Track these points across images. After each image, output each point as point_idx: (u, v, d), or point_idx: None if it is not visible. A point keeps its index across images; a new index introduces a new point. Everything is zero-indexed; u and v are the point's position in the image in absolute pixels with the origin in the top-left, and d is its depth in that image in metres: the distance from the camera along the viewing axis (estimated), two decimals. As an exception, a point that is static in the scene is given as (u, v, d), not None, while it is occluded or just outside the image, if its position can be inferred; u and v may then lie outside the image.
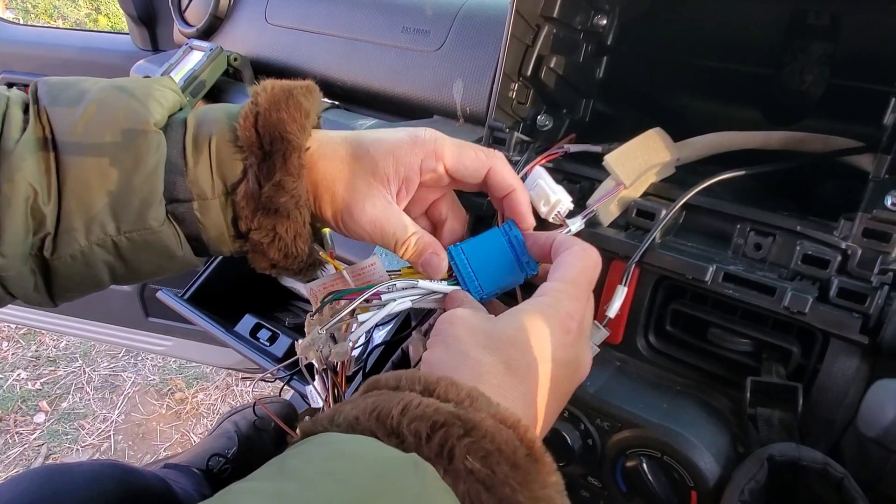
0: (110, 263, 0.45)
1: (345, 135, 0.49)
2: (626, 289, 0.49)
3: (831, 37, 0.63)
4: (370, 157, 0.47)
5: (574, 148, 0.60)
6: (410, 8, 0.73)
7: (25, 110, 0.44)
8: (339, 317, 0.43)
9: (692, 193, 0.50)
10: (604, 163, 0.53)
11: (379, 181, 0.47)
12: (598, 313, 0.51)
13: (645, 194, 0.55)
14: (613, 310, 0.49)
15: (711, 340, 0.50)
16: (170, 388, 2.26)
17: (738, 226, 0.50)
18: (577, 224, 0.52)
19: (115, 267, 0.46)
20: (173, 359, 2.35)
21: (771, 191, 0.58)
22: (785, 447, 0.44)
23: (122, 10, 1.17)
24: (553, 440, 0.52)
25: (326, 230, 0.56)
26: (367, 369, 0.75)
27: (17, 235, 0.41)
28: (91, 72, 1.29)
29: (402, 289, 0.46)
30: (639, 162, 0.54)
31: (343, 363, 0.55)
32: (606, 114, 0.70)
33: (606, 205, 0.53)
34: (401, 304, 0.44)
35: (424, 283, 0.47)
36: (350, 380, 0.66)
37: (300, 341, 0.47)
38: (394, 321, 0.79)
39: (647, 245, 0.50)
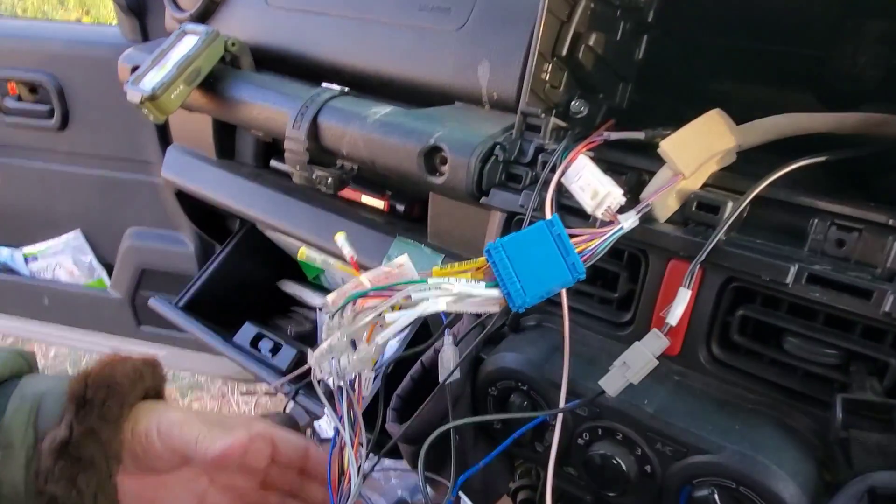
0: None
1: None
2: (689, 292, 0.43)
3: (890, 13, 0.57)
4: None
5: (615, 135, 0.54)
6: (428, -16, 0.66)
7: None
8: (366, 318, 0.37)
9: (766, 183, 0.44)
10: (659, 150, 0.47)
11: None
12: (656, 319, 0.45)
13: (705, 185, 0.48)
14: (675, 316, 0.42)
15: (788, 351, 0.43)
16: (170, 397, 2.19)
17: (816, 220, 0.44)
18: (630, 220, 0.45)
19: None
20: (167, 368, 2.28)
21: (830, 177, 0.52)
22: (887, 477, 0.37)
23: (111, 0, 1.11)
24: (605, 466, 0.46)
25: (340, 234, 0.50)
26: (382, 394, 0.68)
27: None
28: (79, 65, 1.22)
29: (436, 289, 0.39)
30: (698, 148, 0.47)
31: (360, 380, 0.48)
32: (644, 102, 0.64)
33: (664, 198, 0.47)
34: (434, 304, 0.38)
35: (460, 285, 0.40)
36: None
37: (314, 350, 0.40)
38: (404, 335, 0.73)
39: (714, 243, 0.43)
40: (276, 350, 0.82)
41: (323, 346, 0.41)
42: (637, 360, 0.42)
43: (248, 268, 0.98)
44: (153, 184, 1.22)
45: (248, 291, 0.98)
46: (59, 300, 1.42)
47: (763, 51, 0.64)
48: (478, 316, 0.57)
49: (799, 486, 0.40)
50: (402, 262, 0.45)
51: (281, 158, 0.69)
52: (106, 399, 0.45)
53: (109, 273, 1.38)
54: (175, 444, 0.47)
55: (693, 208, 0.46)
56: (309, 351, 0.43)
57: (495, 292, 0.42)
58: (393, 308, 0.40)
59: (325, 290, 0.99)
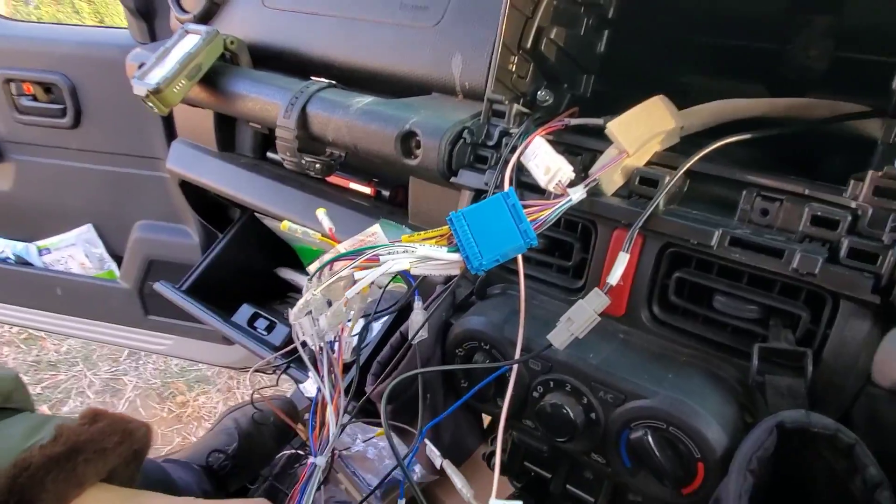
0: None
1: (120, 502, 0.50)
2: (628, 255, 0.48)
3: (835, 9, 0.62)
4: None
5: (575, 121, 0.59)
6: (408, -15, 0.72)
7: None
8: (338, 274, 0.42)
9: (696, 158, 0.49)
10: (605, 131, 0.52)
11: None
12: (603, 283, 0.50)
13: (649, 163, 0.53)
14: (615, 277, 0.47)
15: (717, 308, 0.48)
16: (171, 392, 2.24)
17: (745, 192, 0.49)
18: (578, 193, 0.50)
19: None
20: (174, 362, 2.34)
21: (777, 162, 0.57)
22: (794, 414, 0.42)
23: (121, 4, 1.17)
24: (555, 415, 0.51)
25: (321, 210, 0.54)
26: (360, 361, 0.73)
27: None
28: (91, 66, 1.28)
29: (402, 252, 0.44)
30: (642, 130, 0.52)
31: (340, 343, 0.53)
32: (608, 92, 0.69)
33: (609, 173, 0.52)
34: (398, 264, 0.43)
35: (423, 249, 0.45)
36: (347, 368, 0.64)
37: (294, 307, 0.46)
38: (385, 320, 0.77)
39: (650, 212, 0.48)
40: (270, 328, 0.88)
41: (300, 302, 0.46)
42: (580, 316, 0.47)
43: (247, 255, 1.03)
44: (160, 178, 1.28)
45: (247, 277, 1.03)
46: (71, 291, 1.48)
47: (720, 45, 0.69)
48: (446, 284, 0.63)
49: (720, 426, 0.45)
50: (374, 230, 0.50)
51: (276, 150, 0.75)
52: None
53: (119, 264, 1.45)
54: None
55: (636, 182, 0.51)
56: (289, 310, 0.48)
57: (455, 256, 0.47)
58: (362, 269, 0.46)
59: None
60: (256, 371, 0.85)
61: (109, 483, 0.50)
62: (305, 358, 0.53)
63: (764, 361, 0.44)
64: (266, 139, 0.94)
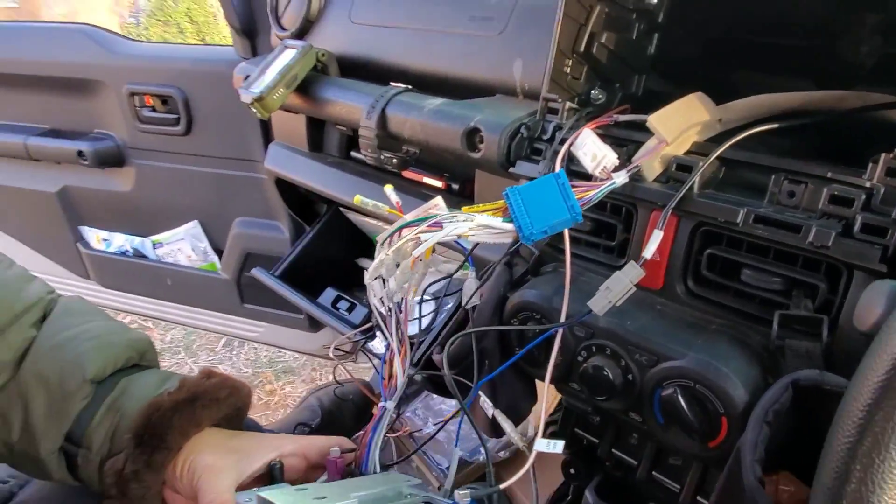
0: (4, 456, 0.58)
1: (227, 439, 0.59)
2: (661, 233, 0.53)
3: (886, 6, 0.65)
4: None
5: (622, 117, 0.65)
6: (477, -1, 0.81)
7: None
8: (406, 237, 0.50)
9: (726, 146, 0.54)
10: (647, 123, 0.58)
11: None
12: (637, 256, 0.56)
13: (687, 152, 0.59)
14: (650, 251, 0.53)
15: (745, 281, 0.53)
16: (260, 381, 2.42)
17: (773, 176, 0.53)
18: (621, 177, 0.56)
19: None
20: (263, 353, 2.52)
21: (813, 152, 0.61)
22: (809, 373, 0.46)
23: (227, 23, 1.33)
24: (596, 376, 0.57)
25: (389, 186, 0.63)
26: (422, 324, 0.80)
27: None
28: (201, 79, 1.45)
29: (462, 220, 0.51)
30: (680, 121, 0.58)
31: (406, 305, 0.61)
32: (660, 90, 0.75)
33: (650, 161, 0.58)
34: (458, 229, 0.50)
35: (481, 217, 0.52)
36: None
37: (368, 270, 0.54)
38: (449, 306, 0.85)
39: (681, 194, 0.54)
40: (350, 309, 0.98)
41: (372, 265, 0.55)
42: (617, 286, 0.53)
43: (332, 245, 1.15)
44: (257, 179, 1.43)
45: (331, 265, 1.15)
46: (179, 281, 1.66)
47: (769, 43, 0.73)
48: (507, 265, 0.70)
49: (743, 385, 0.49)
50: (437, 202, 0.58)
51: (359, 149, 0.85)
52: (154, 451, 0.54)
53: (220, 257, 1.61)
54: (192, 485, 0.55)
55: (673, 169, 0.57)
56: (364, 272, 0.56)
57: (509, 226, 0.52)
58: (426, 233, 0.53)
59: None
60: (337, 349, 0.95)
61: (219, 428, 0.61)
62: (377, 315, 0.61)
63: (784, 328, 0.49)
64: (350, 140, 1.05)
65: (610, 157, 0.57)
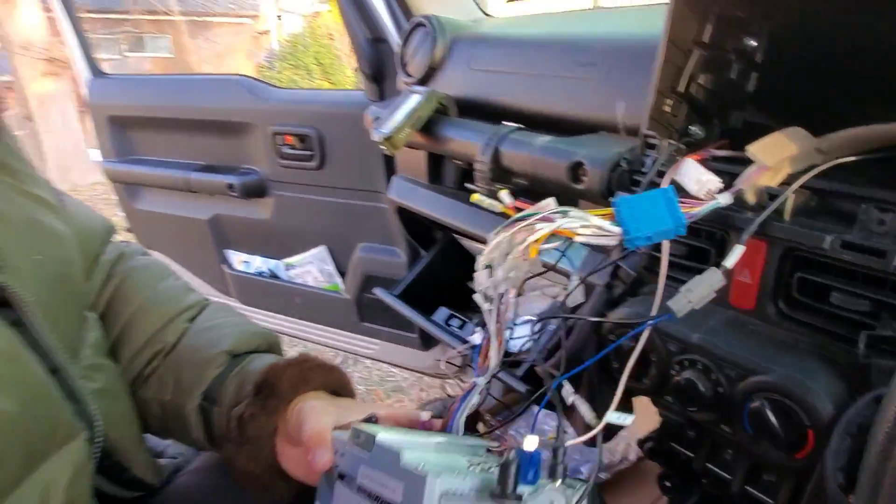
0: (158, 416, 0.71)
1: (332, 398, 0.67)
2: (743, 247, 0.56)
3: None
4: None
5: (720, 153, 0.70)
6: (582, 46, 0.89)
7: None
8: (519, 225, 0.53)
9: (809, 176, 0.58)
10: (746, 152, 0.62)
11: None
12: (734, 283, 0.60)
13: (782, 183, 0.63)
14: (731, 261, 0.55)
15: (833, 303, 0.56)
16: (372, 398, 2.57)
17: (863, 205, 0.57)
18: (725, 197, 0.58)
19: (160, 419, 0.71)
20: (376, 372, 2.67)
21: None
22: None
23: (359, 70, 1.49)
24: (688, 388, 0.62)
25: (504, 190, 0.69)
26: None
27: None
28: (335, 119, 1.61)
29: (573, 217, 0.53)
30: (779, 151, 0.62)
31: (508, 297, 0.65)
32: (759, 123, 0.78)
33: (750, 186, 0.61)
34: (569, 223, 0.52)
35: (590, 217, 0.54)
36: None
37: (481, 256, 0.59)
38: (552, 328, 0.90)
39: (762, 218, 0.58)
40: (462, 326, 1.07)
41: (486, 250, 0.56)
42: (698, 288, 0.55)
43: (446, 269, 1.25)
44: (380, 209, 1.56)
45: (445, 287, 1.25)
46: (306, 300, 1.83)
47: (873, 75, 0.75)
48: (608, 286, 0.76)
49: (829, 399, 0.53)
50: (548, 202, 0.62)
51: (473, 181, 0.95)
52: (269, 397, 0.63)
53: (343, 279, 1.77)
54: (298, 424, 0.60)
55: (766, 198, 0.62)
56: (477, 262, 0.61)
57: (616, 228, 0.54)
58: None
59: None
60: (449, 362, 1.04)
61: None
62: (483, 304, 0.65)
63: (871, 347, 0.52)
64: (465, 173, 1.16)
65: (713, 180, 0.61)
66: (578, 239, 0.54)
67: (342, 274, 1.76)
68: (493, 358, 0.61)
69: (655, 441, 0.79)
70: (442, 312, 1.12)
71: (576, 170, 0.78)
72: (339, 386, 0.68)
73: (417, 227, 1.34)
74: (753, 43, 0.75)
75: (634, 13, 1.07)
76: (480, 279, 0.59)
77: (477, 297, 0.62)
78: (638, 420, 0.83)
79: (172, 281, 0.78)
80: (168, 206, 1.99)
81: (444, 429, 0.59)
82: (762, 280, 0.61)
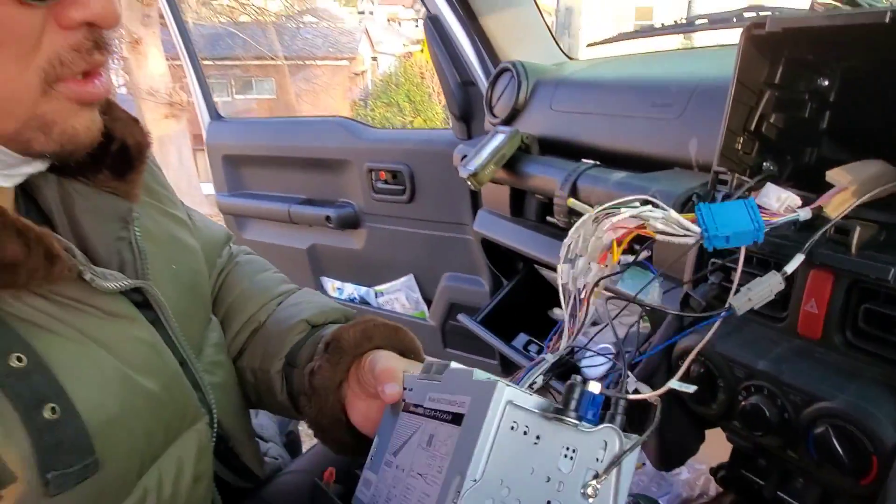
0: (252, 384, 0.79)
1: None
2: (802, 256, 0.58)
3: None
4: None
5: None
6: (659, 87, 0.94)
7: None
8: (600, 208, 0.57)
9: (852, 206, 0.60)
10: (826, 176, 0.65)
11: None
12: (803, 313, 0.63)
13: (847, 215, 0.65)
14: (791, 267, 0.59)
15: (900, 334, 0.58)
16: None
17: (933, 240, 0.58)
18: (805, 212, 0.61)
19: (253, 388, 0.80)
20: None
21: None
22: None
23: (447, 111, 1.60)
24: (754, 413, 0.64)
25: (570, 202, 0.73)
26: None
27: None
28: (425, 156, 1.71)
29: (654, 209, 0.56)
30: (858, 174, 0.64)
31: (589, 291, 0.68)
32: (834, 158, 0.80)
33: (828, 205, 0.63)
34: (651, 213, 0.55)
35: (672, 213, 0.56)
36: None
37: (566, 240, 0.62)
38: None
39: (813, 242, 0.60)
40: (540, 351, 1.12)
41: (568, 238, 0.59)
42: (758, 288, 0.58)
43: (526, 297, 1.31)
44: (465, 240, 1.65)
45: (525, 314, 1.31)
46: (394, 326, 1.93)
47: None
48: (678, 315, 0.79)
49: (893, 427, 0.54)
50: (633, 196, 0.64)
51: (553, 214, 1.01)
52: (334, 352, 0.70)
53: (429, 306, 1.86)
54: (370, 371, 0.66)
55: (832, 231, 0.64)
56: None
57: (696, 228, 0.56)
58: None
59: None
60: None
61: None
62: (563, 299, 0.64)
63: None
64: (545, 206, 1.22)
65: (794, 197, 0.63)
66: (658, 237, 0.56)
67: (428, 301, 1.85)
68: (564, 339, 0.61)
69: (727, 469, 0.81)
70: (521, 338, 1.17)
71: (648, 204, 0.83)
72: (406, 347, 0.73)
73: (500, 258, 1.41)
74: (826, 83, 0.77)
75: (713, 53, 1.10)
76: (563, 271, 0.61)
77: (560, 284, 0.62)
78: (711, 451, 0.85)
79: (270, 273, 0.89)
80: (271, 236, 2.16)
81: None
82: (829, 310, 0.63)
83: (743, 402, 0.66)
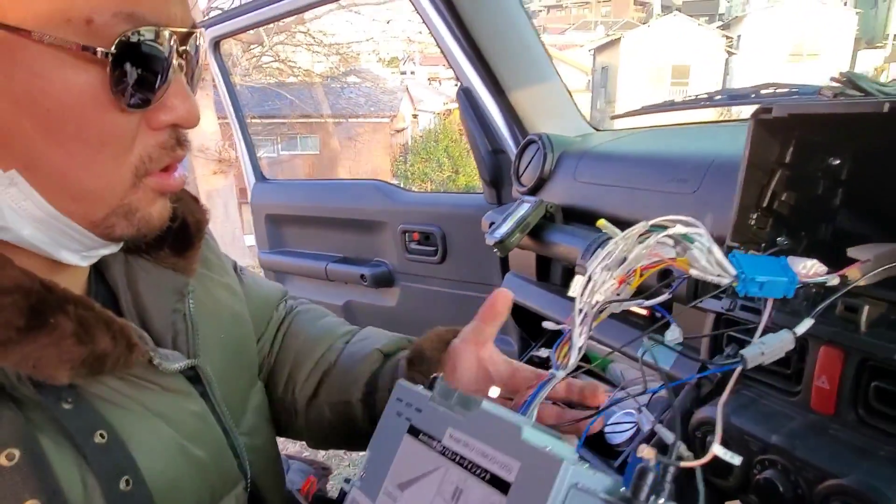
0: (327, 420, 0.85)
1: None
2: (812, 320, 0.58)
3: None
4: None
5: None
6: (676, 162, 0.98)
7: None
8: (635, 229, 0.57)
9: (855, 283, 0.62)
10: (848, 253, 0.67)
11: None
12: (815, 388, 0.64)
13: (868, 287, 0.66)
14: (801, 329, 0.59)
15: (911, 414, 0.59)
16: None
17: (940, 319, 0.60)
18: (833, 278, 0.63)
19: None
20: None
21: None
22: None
23: (479, 176, 1.67)
24: (768, 487, 0.65)
25: (602, 220, 0.75)
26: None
27: None
28: (456, 220, 1.78)
29: (695, 232, 0.55)
30: (878, 251, 0.66)
31: (590, 315, 0.68)
32: (851, 231, 0.82)
33: (851, 273, 0.65)
34: (700, 239, 0.55)
35: (713, 247, 0.55)
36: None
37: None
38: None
39: (817, 313, 0.61)
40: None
41: (612, 243, 0.58)
42: (771, 341, 0.59)
43: (553, 360, 1.33)
44: (494, 300, 1.69)
45: (552, 378, 1.32)
46: (425, 383, 1.96)
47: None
48: (696, 385, 0.81)
49: (904, 507, 0.55)
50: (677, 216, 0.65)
51: (577, 279, 1.04)
52: (420, 364, 0.75)
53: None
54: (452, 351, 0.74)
55: (842, 308, 0.66)
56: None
57: (732, 269, 0.56)
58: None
59: (604, 380, 1.27)
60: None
61: None
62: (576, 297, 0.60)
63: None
64: (570, 271, 1.26)
65: (819, 264, 0.64)
66: (693, 272, 0.55)
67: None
68: (574, 356, 0.59)
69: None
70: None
71: (665, 275, 0.86)
72: None
73: (528, 319, 1.44)
74: (837, 162, 0.80)
75: (731, 128, 1.14)
76: (577, 283, 0.59)
77: (576, 294, 0.58)
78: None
79: (331, 318, 0.95)
80: (309, 292, 2.23)
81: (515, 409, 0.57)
82: (840, 387, 0.65)
83: (758, 476, 0.67)
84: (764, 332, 0.64)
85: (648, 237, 0.56)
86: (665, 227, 0.57)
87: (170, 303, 0.65)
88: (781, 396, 0.72)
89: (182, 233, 0.67)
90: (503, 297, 0.73)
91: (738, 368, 0.60)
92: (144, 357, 0.57)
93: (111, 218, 0.54)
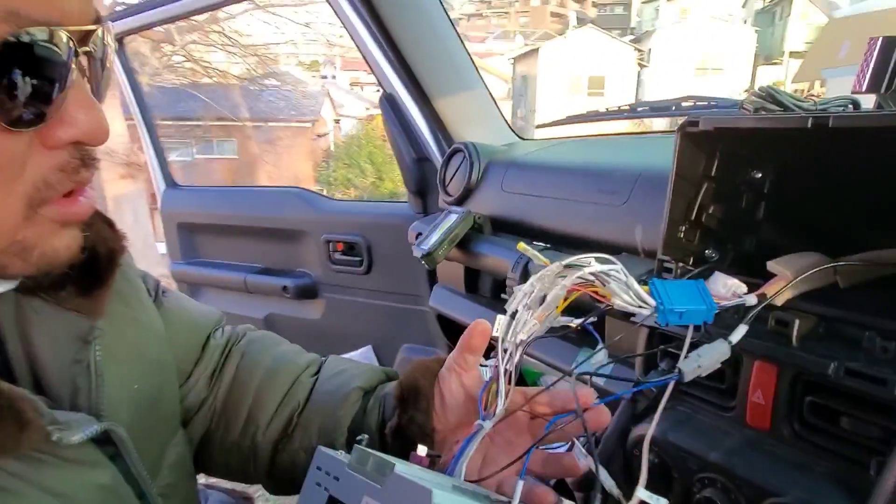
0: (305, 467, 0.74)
1: None
2: (746, 327, 0.58)
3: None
4: None
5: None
6: (604, 173, 0.97)
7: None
8: (570, 260, 0.56)
9: (785, 285, 0.62)
10: (768, 267, 0.67)
11: None
12: (750, 403, 0.64)
13: (786, 303, 0.67)
14: (735, 337, 0.58)
15: (844, 427, 0.59)
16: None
17: (867, 333, 0.60)
18: (751, 298, 0.62)
19: None
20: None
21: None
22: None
23: (404, 185, 1.62)
24: (708, 507, 0.64)
25: (521, 244, 0.73)
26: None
27: None
28: (381, 230, 1.74)
29: (616, 271, 0.55)
30: (797, 266, 0.66)
31: (514, 354, 0.65)
32: (774, 244, 0.83)
33: (772, 292, 0.65)
34: (609, 275, 0.55)
35: (631, 281, 0.56)
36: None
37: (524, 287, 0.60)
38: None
39: (754, 315, 0.62)
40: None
41: (518, 294, 0.57)
42: (707, 357, 0.58)
43: (484, 374, 1.30)
44: (422, 312, 1.64)
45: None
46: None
47: (881, 204, 0.79)
48: (632, 401, 0.80)
49: (843, 524, 0.55)
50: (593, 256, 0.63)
51: (506, 292, 1.01)
52: (416, 399, 0.66)
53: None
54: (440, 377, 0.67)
55: (773, 323, 0.66)
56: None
57: (652, 301, 0.56)
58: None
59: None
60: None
61: None
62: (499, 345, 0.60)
63: (881, 475, 0.54)
64: (499, 284, 1.23)
65: (740, 284, 0.65)
66: (615, 303, 0.55)
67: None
68: (500, 404, 0.58)
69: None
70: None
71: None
72: None
73: (457, 332, 1.40)
74: (759, 175, 0.81)
75: (657, 140, 1.16)
76: (501, 322, 0.59)
77: (498, 334, 0.59)
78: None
79: (286, 346, 0.84)
80: (227, 305, 2.11)
81: (444, 471, 0.56)
82: (775, 402, 0.64)
83: (698, 496, 0.66)
84: (695, 348, 0.63)
85: (565, 276, 0.56)
86: (581, 266, 0.56)
87: (69, 352, 0.54)
88: (716, 411, 0.71)
89: (90, 267, 0.56)
90: (479, 331, 0.67)
91: (672, 383, 0.60)
92: (40, 435, 0.47)
93: (2, 257, 0.44)
